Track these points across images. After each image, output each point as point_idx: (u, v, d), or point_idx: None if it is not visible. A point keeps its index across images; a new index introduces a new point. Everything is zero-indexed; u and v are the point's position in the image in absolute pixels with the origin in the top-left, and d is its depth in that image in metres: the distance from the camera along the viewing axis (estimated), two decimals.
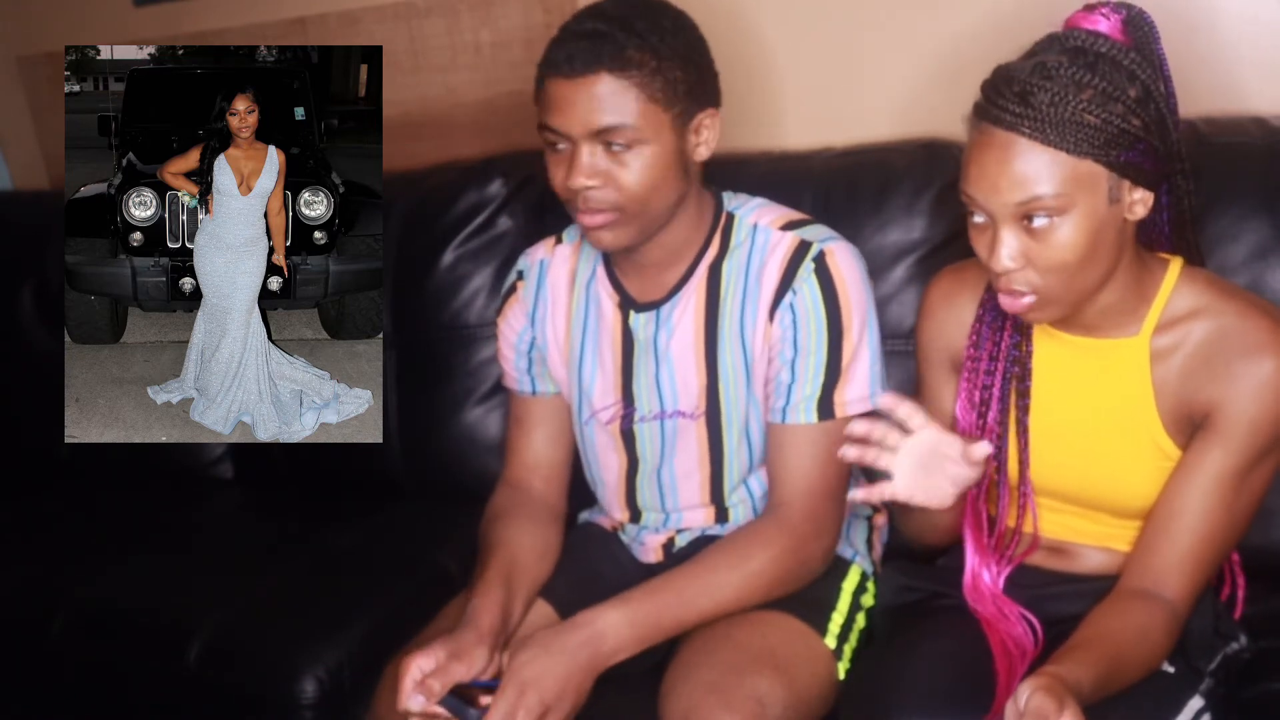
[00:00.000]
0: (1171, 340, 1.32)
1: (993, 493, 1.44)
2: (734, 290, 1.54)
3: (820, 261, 1.50)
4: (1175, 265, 1.35)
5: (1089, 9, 1.28)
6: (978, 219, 1.27)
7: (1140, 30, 1.27)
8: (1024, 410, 1.39)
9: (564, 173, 1.45)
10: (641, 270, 1.57)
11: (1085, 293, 1.28)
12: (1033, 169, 1.20)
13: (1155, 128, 1.24)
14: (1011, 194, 1.22)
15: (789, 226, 1.54)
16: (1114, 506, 1.39)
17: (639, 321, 1.58)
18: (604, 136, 1.42)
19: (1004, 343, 1.40)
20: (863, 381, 1.51)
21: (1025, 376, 1.39)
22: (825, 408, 1.50)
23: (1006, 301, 1.29)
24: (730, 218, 1.57)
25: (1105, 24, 1.26)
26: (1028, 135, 1.20)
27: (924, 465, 1.31)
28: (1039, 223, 1.22)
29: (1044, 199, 1.21)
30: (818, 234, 1.53)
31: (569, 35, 1.44)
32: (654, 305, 1.57)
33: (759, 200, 1.60)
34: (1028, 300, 1.27)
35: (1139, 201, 1.25)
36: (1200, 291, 1.33)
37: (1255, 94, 1.78)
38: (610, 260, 1.61)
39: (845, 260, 1.51)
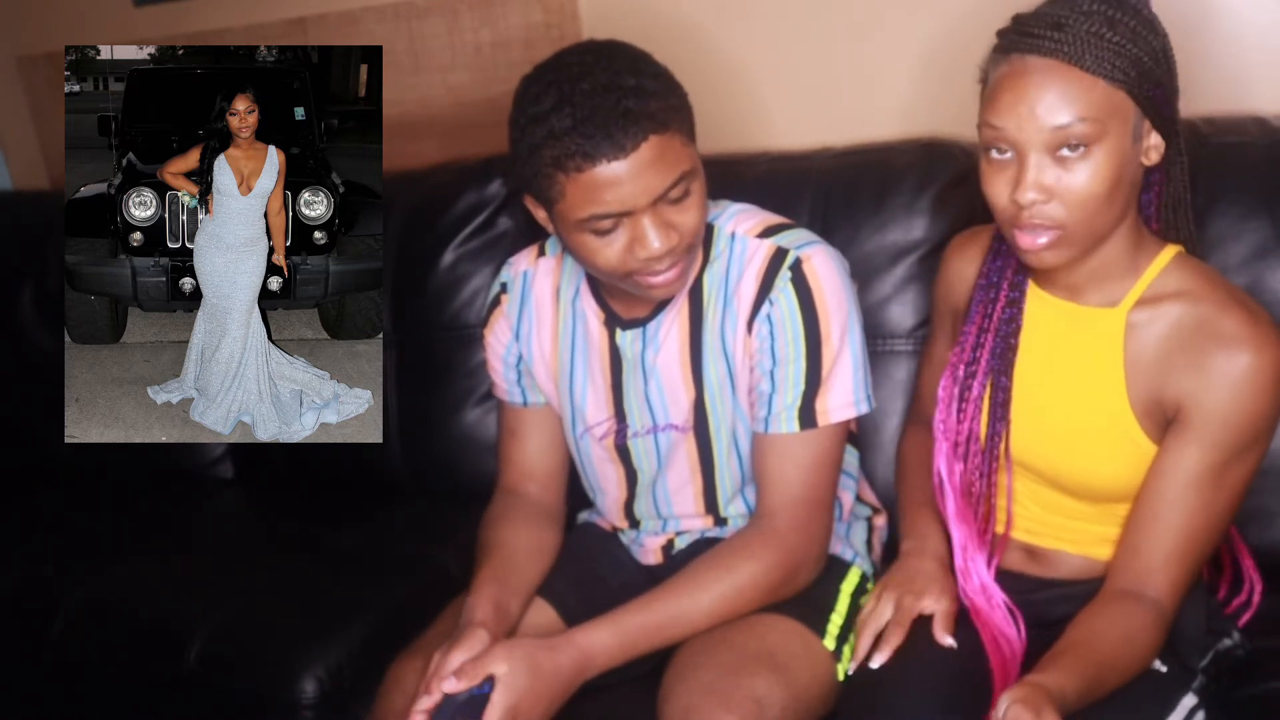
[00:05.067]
0: (1147, 317, 1.33)
1: (973, 471, 1.43)
2: (715, 302, 1.52)
3: (797, 269, 1.47)
4: (1171, 249, 1.36)
5: None
6: (998, 154, 1.26)
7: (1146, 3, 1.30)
8: (1007, 380, 1.39)
9: (626, 243, 1.38)
10: (628, 292, 1.56)
11: (1100, 235, 1.28)
12: (1070, 94, 1.21)
13: (1169, 80, 1.27)
14: (1048, 118, 1.22)
15: (766, 233, 1.52)
16: (1083, 488, 1.39)
17: (626, 339, 1.57)
18: (667, 194, 1.37)
19: (997, 311, 1.41)
20: (845, 388, 1.49)
21: (1012, 349, 1.40)
22: (807, 416, 1.49)
23: (1025, 240, 1.28)
24: (710, 229, 1.54)
25: None
26: (1065, 59, 1.21)
27: None
28: (1069, 151, 1.22)
29: (1081, 125, 1.21)
30: (795, 239, 1.51)
31: (590, 116, 1.32)
32: (640, 323, 1.55)
33: (737, 206, 1.57)
34: (1047, 238, 1.27)
35: (1154, 147, 1.27)
36: (1188, 277, 1.33)
37: (1255, 94, 1.78)
38: (594, 276, 1.60)
39: (823, 266, 1.49)
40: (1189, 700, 1.32)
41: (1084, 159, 1.22)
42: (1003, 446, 1.40)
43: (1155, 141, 1.27)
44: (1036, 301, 1.40)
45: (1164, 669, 1.32)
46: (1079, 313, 1.36)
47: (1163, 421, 1.32)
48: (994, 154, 1.27)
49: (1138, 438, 1.33)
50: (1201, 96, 1.78)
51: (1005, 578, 1.43)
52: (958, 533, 1.42)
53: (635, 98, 1.33)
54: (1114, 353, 1.34)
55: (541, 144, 1.35)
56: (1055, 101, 1.22)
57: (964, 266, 1.50)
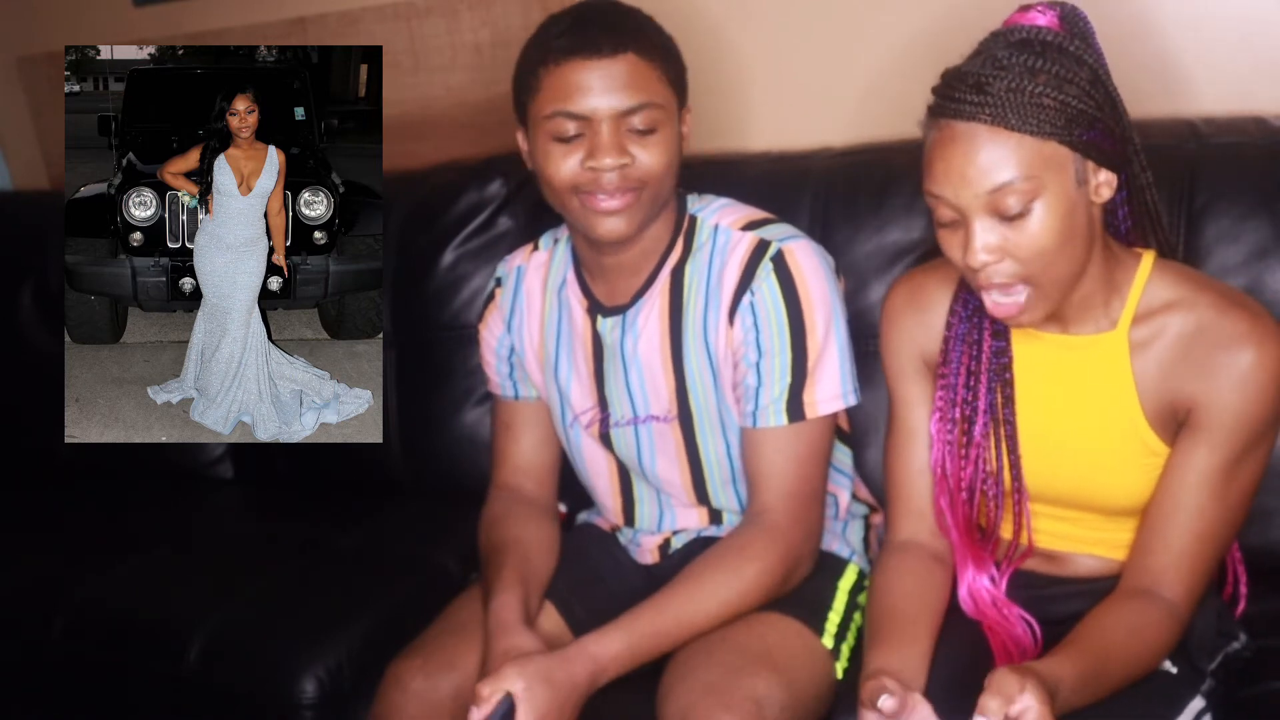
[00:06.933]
0: (1149, 332, 1.32)
1: (984, 505, 1.42)
2: (696, 293, 1.53)
3: (779, 260, 1.48)
4: (1148, 258, 1.35)
5: (1024, 8, 1.29)
6: (946, 219, 1.26)
7: (1077, 24, 1.29)
8: (1010, 415, 1.37)
9: (581, 157, 1.43)
10: (608, 275, 1.57)
11: (1067, 281, 1.27)
12: (998, 155, 1.20)
13: (1108, 108, 1.25)
14: (980, 183, 1.21)
15: (750, 226, 1.53)
16: (1103, 506, 1.39)
17: (606, 326, 1.58)
18: (630, 117, 1.42)
19: (984, 351, 1.38)
20: (832, 380, 1.50)
21: (1009, 385, 1.38)
22: (795, 409, 1.49)
23: (1001, 307, 1.27)
24: (693, 220, 1.56)
25: (1043, 19, 1.27)
26: (989, 122, 1.20)
27: None
28: (1011, 208, 1.21)
29: (1013, 184, 1.20)
30: (778, 233, 1.52)
31: (582, 22, 1.44)
32: (620, 310, 1.57)
33: (722, 201, 1.59)
34: (1021, 300, 1.26)
35: (1104, 184, 1.26)
36: (1174, 284, 1.33)
37: (1255, 94, 1.78)
38: (580, 265, 1.60)
39: (806, 258, 1.49)
40: (1197, 703, 1.32)
41: (1028, 215, 1.21)
42: (1021, 482, 1.39)
43: (1104, 178, 1.25)
44: (1024, 338, 1.38)
45: (1174, 670, 1.32)
46: (1075, 342, 1.35)
47: (1175, 425, 1.32)
48: (942, 219, 1.27)
49: (1156, 447, 1.33)
50: (1201, 96, 1.79)
51: (1017, 576, 1.43)
52: (962, 561, 1.41)
53: (627, 20, 1.46)
54: (1123, 373, 1.33)
55: (534, 50, 1.46)
56: (986, 165, 1.20)
57: (926, 316, 1.43)
